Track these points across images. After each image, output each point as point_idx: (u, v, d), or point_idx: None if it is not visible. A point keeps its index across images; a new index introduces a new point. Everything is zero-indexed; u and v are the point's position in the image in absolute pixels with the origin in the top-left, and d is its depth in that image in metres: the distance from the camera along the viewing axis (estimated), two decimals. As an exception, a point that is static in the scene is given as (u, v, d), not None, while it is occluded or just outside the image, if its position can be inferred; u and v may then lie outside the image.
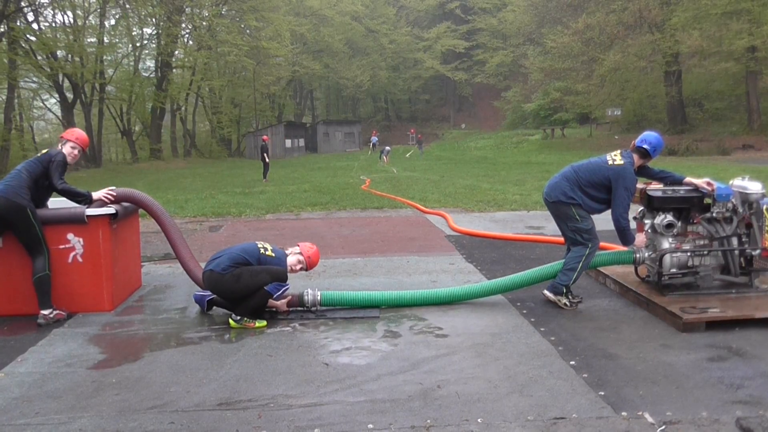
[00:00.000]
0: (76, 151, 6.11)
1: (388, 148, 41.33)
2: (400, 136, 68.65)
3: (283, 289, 5.48)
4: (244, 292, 5.31)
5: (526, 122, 59.07)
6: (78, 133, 6.28)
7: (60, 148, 6.04)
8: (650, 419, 3.52)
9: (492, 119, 69.69)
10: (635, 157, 5.74)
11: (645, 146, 5.71)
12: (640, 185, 5.91)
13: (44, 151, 6.00)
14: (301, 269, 5.78)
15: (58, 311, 5.65)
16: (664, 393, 3.87)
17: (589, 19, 39.79)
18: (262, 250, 5.52)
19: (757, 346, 4.65)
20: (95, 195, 6.00)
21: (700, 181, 5.79)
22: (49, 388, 4.14)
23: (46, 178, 5.79)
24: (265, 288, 5.34)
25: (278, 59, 55.42)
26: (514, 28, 57.13)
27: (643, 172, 5.90)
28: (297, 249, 5.78)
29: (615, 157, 5.73)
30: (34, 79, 41.09)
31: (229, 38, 46.58)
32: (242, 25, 52.00)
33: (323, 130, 63.81)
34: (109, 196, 6.08)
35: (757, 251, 5.71)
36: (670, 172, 5.97)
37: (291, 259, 5.69)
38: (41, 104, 48.27)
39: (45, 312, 5.59)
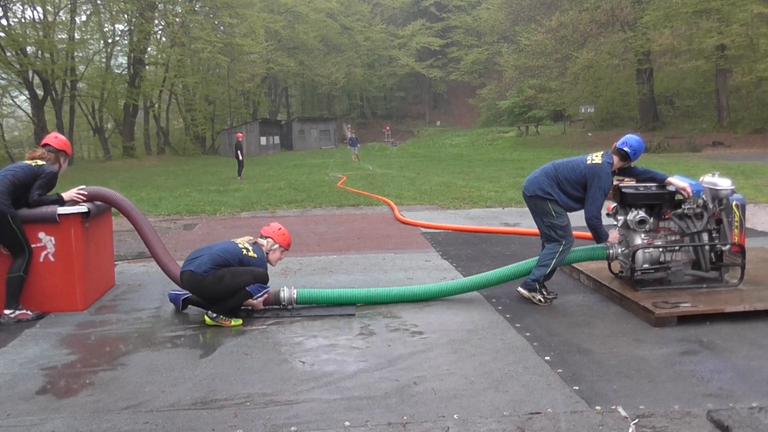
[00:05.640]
0: (66, 163, 6.18)
1: (354, 138, 40.87)
2: (376, 133, 68.71)
3: (264, 291, 5.49)
4: (225, 293, 5.28)
5: (500, 119, 59.42)
6: (66, 142, 6.23)
7: (57, 161, 5.98)
8: (624, 413, 3.57)
9: (467, 116, 70.02)
10: (615, 159, 5.79)
11: (625, 149, 5.75)
12: (614, 181, 5.96)
13: (41, 162, 5.85)
14: (282, 255, 5.90)
15: (22, 312, 5.55)
16: (637, 387, 3.92)
17: (562, 17, 40.18)
18: (244, 251, 5.48)
19: (728, 340, 4.73)
20: (66, 196, 5.90)
21: (682, 184, 5.81)
22: (21, 389, 4.08)
23: (31, 188, 5.71)
24: (247, 288, 5.33)
25: (253, 56, 55.11)
26: (489, 25, 57.43)
27: (628, 172, 5.95)
28: (270, 241, 5.75)
29: (595, 157, 5.78)
30: (3, 75, 40.33)
31: (203, 35, 46.14)
32: (216, 22, 51.61)
33: (298, 127, 63.57)
34: (81, 196, 6.00)
35: (727, 246, 5.80)
36: (654, 171, 6.00)
37: (272, 256, 5.73)
38: (11, 101, 47.35)
39: (7, 312, 5.51)
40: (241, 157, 24.77)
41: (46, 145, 6.07)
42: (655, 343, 4.70)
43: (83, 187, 6.13)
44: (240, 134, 28.13)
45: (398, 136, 66.19)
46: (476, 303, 5.92)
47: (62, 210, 5.70)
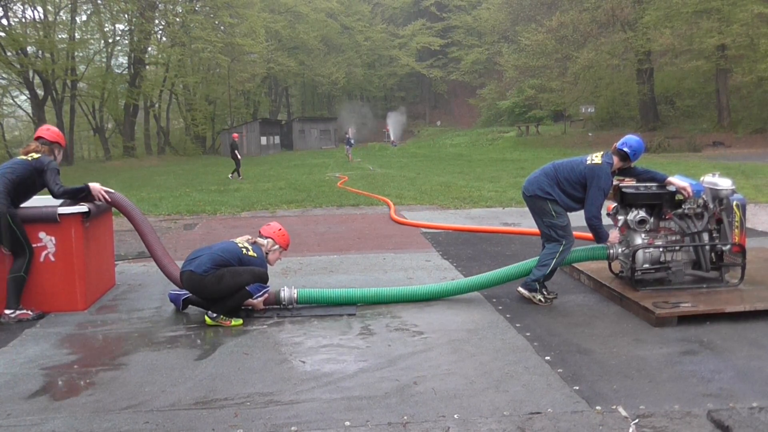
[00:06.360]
0: (60, 155, 6.14)
1: (350, 138, 40.31)
2: (376, 133, 68.70)
3: (264, 290, 5.49)
4: (225, 293, 5.29)
5: (500, 119, 59.37)
6: (59, 133, 6.20)
7: (51, 153, 5.96)
8: (624, 413, 3.57)
9: (467, 116, 69.96)
10: (615, 159, 5.79)
11: (625, 149, 5.76)
12: (614, 181, 5.96)
13: (36, 156, 5.82)
14: (281, 255, 5.91)
15: (22, 312, 5.55)
16: (638, 387, 3.92)
17: (562, 17, 40.15)
18: (243, 251, 5.49)
19: (728, 340, 4.73)
20: (93, 189, 5.93)
21: (683, 183, 5.81)
22: (21, 389, 4.08)
23: (33, 183, 5.71)
24: (247, 288, 5.33)
25: (253, 56, 55.03)
26: (489, 25, 57.43)
27: (628, 172, 5.95)
28: (270, 241, 5.75)
29: (594, 158, 5.79)
30: (4, 75, 40.33)
31: (203, 35, 46.15)
32: (216, 22, 51.55)
33: (299, 127, 63.55)
34: (105, 196, 6.01)
35: (728, 246, 5.80)
36: (654, 171, 6.00)
37: (271, 257, 5.74)
38: (11, 101, 47.36)
39: (8, 312, 5.51)
40: (239, 156, 24.81)
41: (39, 138, 6.06)
42: (656, 343, 4.70)
43: (112, 191, 6.13)
44: (236, 134, 28.18)
45: (398, 136, 66.20)
46: (476, 303, 5.92)
47: (63, 210, 5.71)
